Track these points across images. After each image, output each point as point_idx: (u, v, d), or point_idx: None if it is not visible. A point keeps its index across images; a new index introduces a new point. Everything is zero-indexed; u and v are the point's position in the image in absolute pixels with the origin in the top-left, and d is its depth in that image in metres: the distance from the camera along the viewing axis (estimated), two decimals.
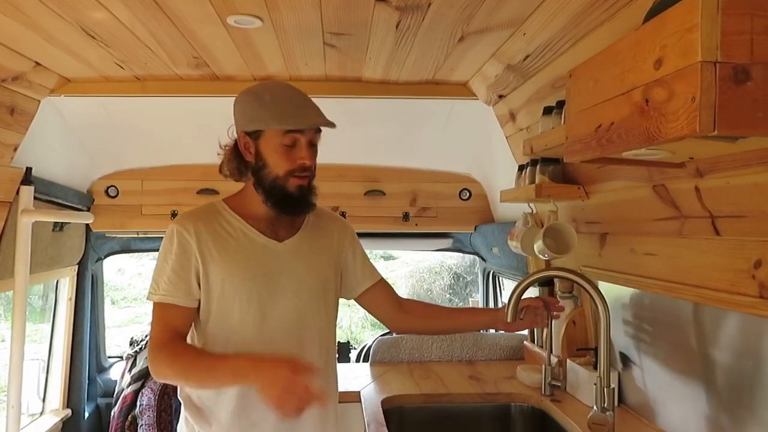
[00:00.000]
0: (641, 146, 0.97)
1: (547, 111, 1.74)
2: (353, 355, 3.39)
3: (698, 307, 1.47)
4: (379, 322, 1.81)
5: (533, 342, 2.48)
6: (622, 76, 1.01)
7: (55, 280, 2.66)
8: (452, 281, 9.87)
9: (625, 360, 1.84)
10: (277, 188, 1.43)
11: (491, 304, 3.45)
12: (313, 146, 1.45)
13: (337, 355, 1.64)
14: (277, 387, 1.20)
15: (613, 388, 1.63)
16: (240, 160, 1.47)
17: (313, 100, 1.47)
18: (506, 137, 2.27)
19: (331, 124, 1.42)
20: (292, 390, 1.19)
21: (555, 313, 1.77)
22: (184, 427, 1.49)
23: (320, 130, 1.46)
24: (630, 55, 0.98)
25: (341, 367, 1.71)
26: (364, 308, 1.73)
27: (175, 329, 1.42)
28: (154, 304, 1.44)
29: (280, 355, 1.36)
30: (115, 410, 2.71)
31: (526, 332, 2.55)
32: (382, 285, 1.71)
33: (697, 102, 0.80)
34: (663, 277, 1.49)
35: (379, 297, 1.70)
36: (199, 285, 1.43)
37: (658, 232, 1.50)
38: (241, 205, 1.50)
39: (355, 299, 1.69)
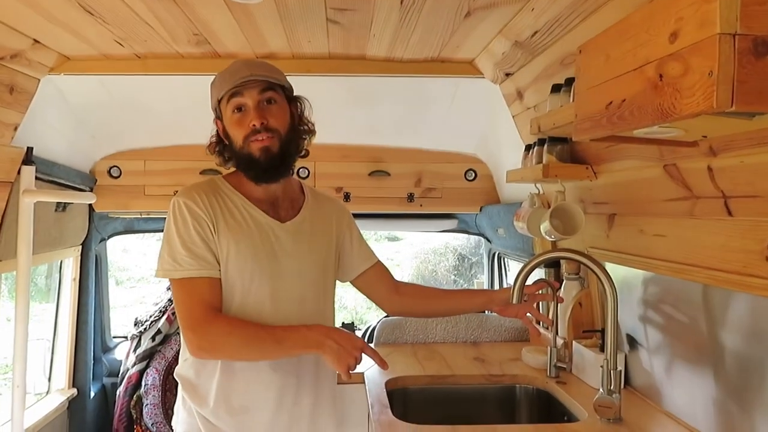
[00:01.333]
0: (654, 123, 0.94)
1: (556, 89, 1.70)
2: (358, 335, 3.38)
3: (707, 288, 1.45)
4: None
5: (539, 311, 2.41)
6: (634, 50, 0.97)
7: (59, 261, 2.66)
8: (457, 262, 9.84)
9: (632, 342, 1.82)
10: (243, 158, 1.43)
11: (496, 286, 3.43)
12: (263, 107, 1.40)
13: None
14: (349, 354, 1.32)
15: (620, 371, 1.62)
16: (223, 145, 1.49)
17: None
18: (513, 116, 2.23)
19: (261, 76, 1.39)
20: (357, 355, 1.33)
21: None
22: (181, 408, 1.49)
23: (270, 89, 1.41)
24: (643, 28, 0.94)
25: None
26: (359, 290, 1.71)
27: (211, 303, 1.37)
28: (178, 281, 1.37)
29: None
30: (120, 390, 2.73)
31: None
32: (379, 267, 1.69)
33: (714, 76, 0.77)
34: (673, 259, 1.47)
35: (375, 279, 1.68)
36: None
37: (668, 212, 1.47)
38: (241, 184, 1.48)
39: (351, 281, 1.68)
